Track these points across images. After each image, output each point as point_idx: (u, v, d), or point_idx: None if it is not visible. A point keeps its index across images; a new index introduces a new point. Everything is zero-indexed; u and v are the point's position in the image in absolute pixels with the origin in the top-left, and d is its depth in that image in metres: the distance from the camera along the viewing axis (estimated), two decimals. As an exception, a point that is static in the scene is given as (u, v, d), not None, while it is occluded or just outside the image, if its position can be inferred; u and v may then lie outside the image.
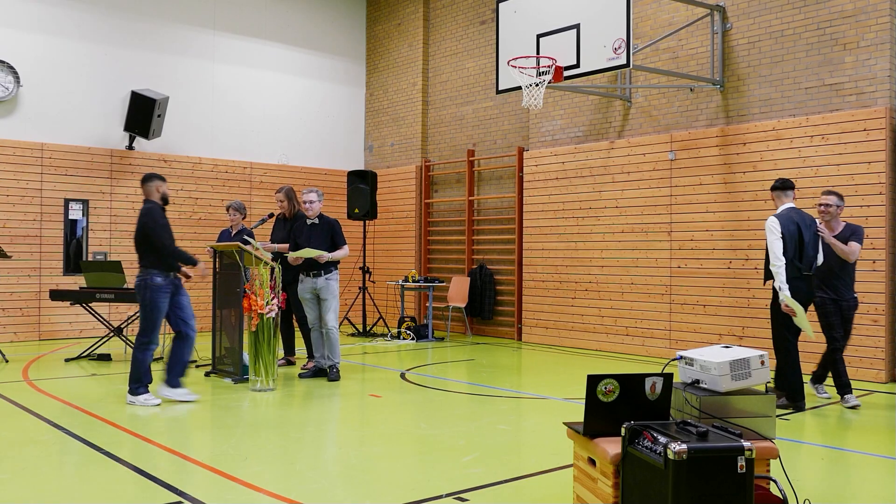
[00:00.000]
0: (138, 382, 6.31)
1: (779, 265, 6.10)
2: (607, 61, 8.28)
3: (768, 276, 6.32)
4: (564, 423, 3.78)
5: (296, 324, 8.29)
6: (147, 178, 6.50)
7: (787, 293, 6.05)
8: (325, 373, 7.66)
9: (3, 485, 4.14)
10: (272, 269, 7.00)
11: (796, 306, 6.05)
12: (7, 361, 8.61)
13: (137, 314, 8.79)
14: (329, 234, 7.57)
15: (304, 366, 7.98)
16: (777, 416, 4.95)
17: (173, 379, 6.43)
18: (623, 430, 3.20)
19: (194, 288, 11.65)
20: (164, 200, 6.49)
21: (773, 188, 6.55)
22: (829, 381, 7.04)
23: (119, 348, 9.31)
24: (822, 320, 6.59)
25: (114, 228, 11.27)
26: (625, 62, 8.11)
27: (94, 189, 11.12)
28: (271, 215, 8.53)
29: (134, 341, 6.42)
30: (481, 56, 12.16)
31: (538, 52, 8.84)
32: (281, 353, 8.15)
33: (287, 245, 7.82)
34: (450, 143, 12.69)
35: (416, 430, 5.60)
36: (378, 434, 5.50)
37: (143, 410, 6.11)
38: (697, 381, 3.75)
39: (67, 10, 11.04)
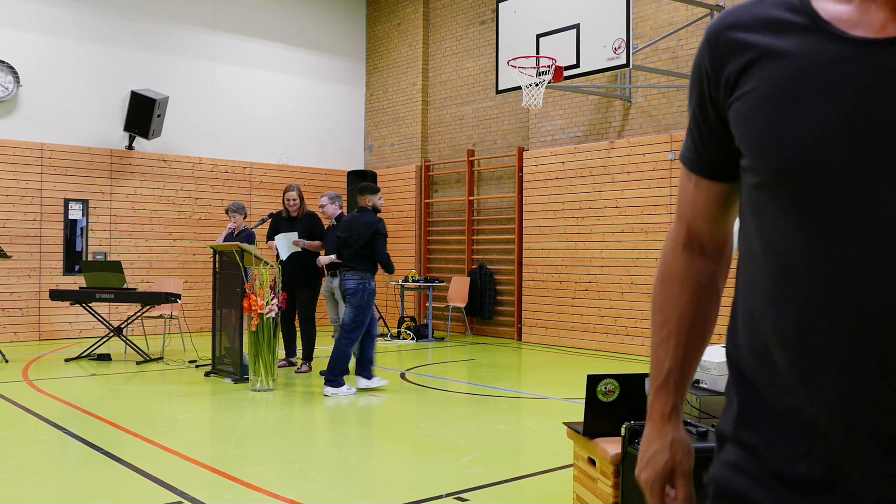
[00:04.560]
0: (344, 373, 6.87)
1: None
2: (607, 61, 8.28)
3: None
4: (564, 423, 3.78)
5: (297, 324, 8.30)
6: (361, 190, 7.17)
7: None
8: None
9: (3, 485, 4.14)
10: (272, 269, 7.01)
11: None
12: (7, 361, 8.61)
13: (138, 314, 8.87)
14: None
15: (299, 368, 8.00)
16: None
17: (367, 371, 6.99)
18: (623, 430, 3.20)
19: (194, 288, 11.68)
20: (376, 210, 7.10)
21: None
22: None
23: (119, 348, 9.31)
24: None
25: (114, 228, 11.28)
26: (624, 62, 8.11)
27: (94, 189, 11.13)
28: (271, 215, 8.53)
29: (339, 334, 6.94)
30: (481, 56, 12.17)
31: (538, 52, 8.85)
32: (281, 353, 8.16)
33: (318, 243, 7.91)
34: (450, 143, 12.69)
35: (416, 430, 5.61)
36: (378, 434, 5.50)
37: (144, 410, 6.12)
38: (697, 381, 3.75)
39: (67, 10, 11.04)
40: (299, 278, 7.85)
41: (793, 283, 0.96)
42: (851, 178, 0.91)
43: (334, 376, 6.77)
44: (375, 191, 7.18)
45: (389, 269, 7.14)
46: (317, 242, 7.95)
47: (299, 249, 7.83)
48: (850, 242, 0.91)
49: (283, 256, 7.80)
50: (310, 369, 7.98)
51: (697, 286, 1.23)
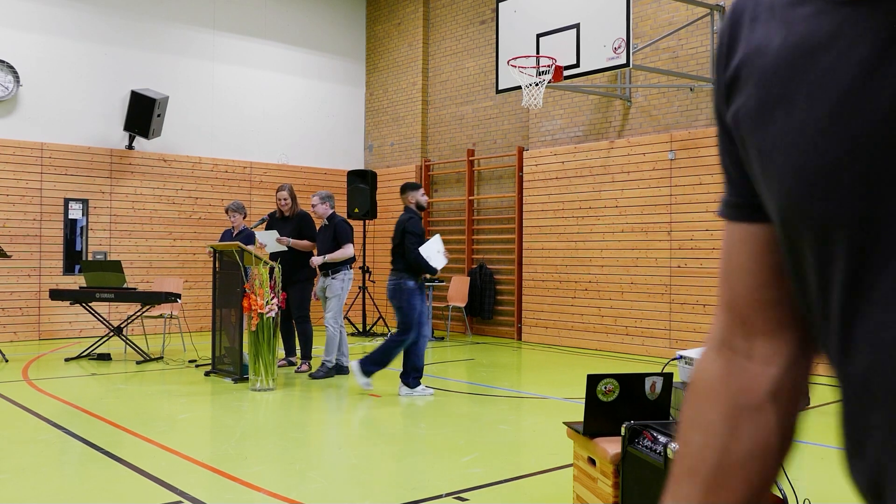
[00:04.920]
0: (417, 372, 6.72)
1: None
2: (607, 61, 8.28)
3: None
4: (564, 423, 3.78)
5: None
6: (402, 189, 6.91)
7: None
8: (340, 370, 7.79)
9: (3, 485, 4.14)
10: (272, 269, 7.00)
11: None
12: (7, 361, 8.61)
13: (138, 314, 8.87)
14: (333, 235, 7.66)
15: (299, 367, 8.00)
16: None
17: (411, 379, 6.76)
18: (623, 430, 3.20)
19: (194, 288, 11.68)
20: (420, 208, 6.86)
21: None
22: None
23: (119, 348, 9.31)
24: None
25: (114, 228, 11.27)
26: (625, 62, 8.11)
27: (94, 189, 11.12)
28: (270, 215, 8.52)
29: (396, 338, 6.75)
30: (481, 56, 12.16)
31: (538, 52, 8.84)
32: (282, 353, 8.15)
33: (306, 242, 7.89)
34: (450, 143, 12.69)
35: (416, 430, 5.61)
36: (378, 434, 5.50)
37: (144, 410, 6.12)
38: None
39: (67, 10, 11.04)
40: (288, 278, 7.83)
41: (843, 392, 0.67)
42: (876, 222, 0.60)
43: (407, 377, 6.71)
44: (416, 187, 6.89)
45: (422, 268, 6.66)
46: (305, 242, 7.91)
47: (284, 248, 7.78)
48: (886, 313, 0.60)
49: (269, 250, 7.83)
50: (309, 368, 7.97)
51: (735, 407, 0.78)
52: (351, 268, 7.81)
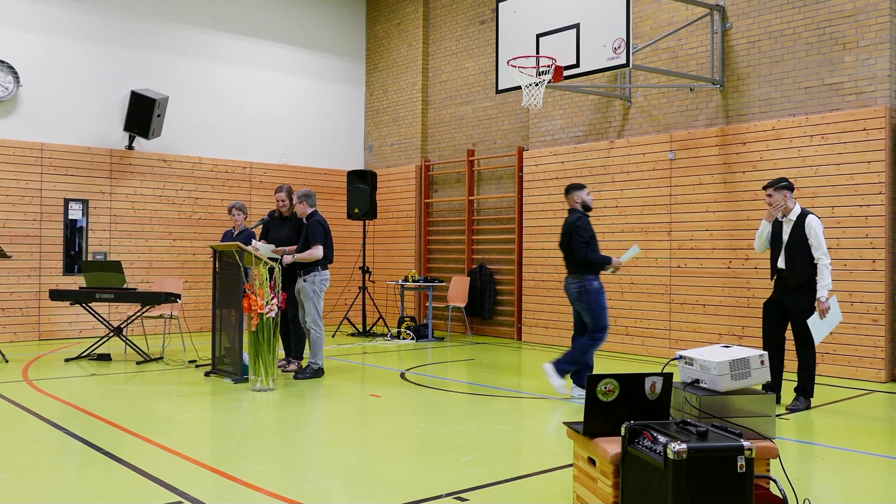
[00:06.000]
0: (589, 370, 6.74)
1: (829, 264, 6.19)
2: (607, 61, 8.28)
3: (801, 275, 6.21)
4: (564, 423, 3.79)
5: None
6: (566, 190, 6.94)
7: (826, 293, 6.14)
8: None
9: (3, 485, 4.14)
10: (272, 269, 7.00)
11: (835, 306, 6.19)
12: (7, 361, 8.61)
13: (138, 314, 8.87)
14: (305, 234, 7.61)
15: (286, 367, 7.98)
16: (776, 415, 4.95)
17: (583, 379, 6.74)
18: (623, 430, 3.20)
19: (194, 288, 11.68)
20: (586, 207, 6.86)
21: (786, 187, 6.41)
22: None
23: (119, 348, 9.31)
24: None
25: (114, 228, 11.27)
26: (624, 62, 8.11)
27: (94, 189, 11.12)
28: (270, 214, 8.52)
29: (588, 339, 6.82)
30: (481, 56, 12.17)
31: (538, 52, 8.84)
32: (281, 353, 8.15)
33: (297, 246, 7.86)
34: (449, 143, 12.69)
35: (416, 430, 5.61)
36: (378, 434, 5.50)
37: (144, 410, 6.12)
38: (697, 381, 3.75)
39: (67, 10, 11.04)
40: (283, 279, 7.80)
41: None
42: None
43: (581, 378, 6.70)
44: (579, 187, 6.84)
45: (594, 265, 6.78)
46: (294, 247, 7.86)
47: (277, 257, 7.70)
48: None
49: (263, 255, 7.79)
50: (298, 368, 7.96)
51: None
52: (325, 268, 7.60)
